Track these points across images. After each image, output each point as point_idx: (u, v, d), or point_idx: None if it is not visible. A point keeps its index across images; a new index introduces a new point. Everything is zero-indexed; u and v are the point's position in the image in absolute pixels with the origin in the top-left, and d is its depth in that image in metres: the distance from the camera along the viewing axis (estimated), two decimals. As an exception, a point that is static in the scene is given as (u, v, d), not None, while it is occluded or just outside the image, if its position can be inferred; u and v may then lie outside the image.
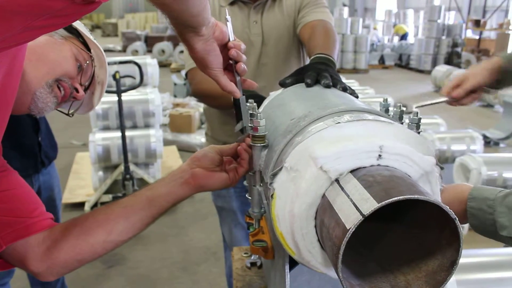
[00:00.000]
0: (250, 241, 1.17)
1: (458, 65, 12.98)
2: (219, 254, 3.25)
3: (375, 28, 18.56)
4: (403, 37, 17.92)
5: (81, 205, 4.17)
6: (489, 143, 6.34)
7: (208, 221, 3.88)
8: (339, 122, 0.82)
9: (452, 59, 13.85)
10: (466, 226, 3.21)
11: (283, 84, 1.29)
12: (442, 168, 0.89)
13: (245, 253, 1.53)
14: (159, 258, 3.43)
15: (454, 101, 1.58)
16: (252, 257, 1.50)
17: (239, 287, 1.37)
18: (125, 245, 3.72)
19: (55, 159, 2.43)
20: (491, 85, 1.53)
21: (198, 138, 5.78)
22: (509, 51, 1.52)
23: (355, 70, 13.64)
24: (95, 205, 4.06)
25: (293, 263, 1.08)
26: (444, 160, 4.44)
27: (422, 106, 1.58)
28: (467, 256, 2.42)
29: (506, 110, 6.71)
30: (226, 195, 2.01)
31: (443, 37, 14.26)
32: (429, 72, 12.08)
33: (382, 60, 15.19)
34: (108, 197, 4.03)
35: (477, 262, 2.41)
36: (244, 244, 1.99)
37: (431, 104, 1.59)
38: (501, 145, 6.38)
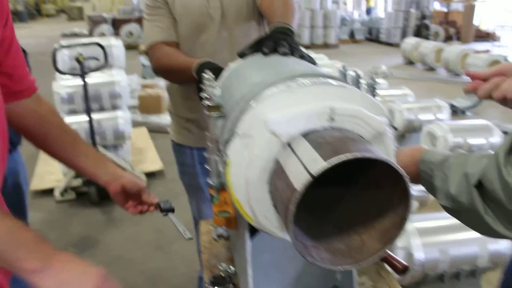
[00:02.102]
0: (214, 212, 1.17)
1: (427, 37, 13.14)
2: (192, 232, 3.25)
3: (345, 3, 18.55)
4: (369, 11, 18.04)
5: (50, 191, 4.11)
6: (456, 112, 6.46)
7: (180, 200, 3.82)
8: (290, 86, 0.82)
9: (421, 31, 13.99)
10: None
11: (242, 55, 1.28)
12: (395, 129, 0.90)
13: (212, 226, 1.54)
14: (132, 239, 3.42)
15: (469, 85, 1.26)
16: (219, 230, 1.51)
17: (206, 259, 1.37)
18: (96, 228, 3.69)
19: (20, 144, 2.38)
20: None
21: (169, 118, 5.69)
22: None
23: (325, 46, 13.64)
24: (65, 190, 4.01)
25: (254, 232, 1.09)
26: (412, 129, 4.51)
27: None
28: (432, 219, 2.49)
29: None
30: (192, 172, 2.01)
31: (412, 10, 14.37)
32: (398, 45, 12.18)
33: (352, 34, 15.22)
34: (78, 181, 3.97)
35: (442, 225, 2.49)
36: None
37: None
38: (468, 113, 6.52)
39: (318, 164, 0.66)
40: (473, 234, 2.41)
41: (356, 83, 1.06)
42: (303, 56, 1.17)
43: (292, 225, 0.69)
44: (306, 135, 0.77)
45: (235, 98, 0.98)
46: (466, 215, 0.90)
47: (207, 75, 1.09)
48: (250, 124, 0.80)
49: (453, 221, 2.58)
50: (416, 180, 1.10)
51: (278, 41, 1.21)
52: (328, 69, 6.21)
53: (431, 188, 1.03)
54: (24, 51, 2.25)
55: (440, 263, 2.38)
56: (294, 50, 1.18)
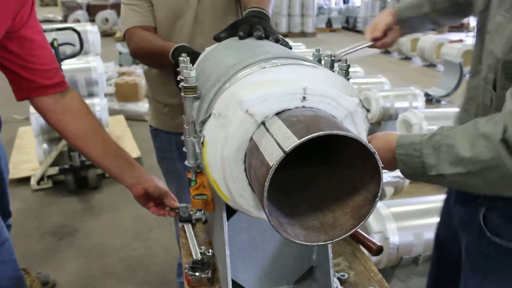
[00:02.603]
0: (191, 195, 1.19)
1: (403, 26, 13.26)
2: (171, 219, 3.24)
3: (322, -8, 18.63)
4: (345, 0, 18.20)
5: (26, 180, 4.05)
6: (432, 101, 6.57)
7: (159, 188, 3.86)
8: (264, 67, 0.84)
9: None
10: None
11: (218, 39, 1.29)
12: (368, 110, 0.93)
13: (190, 210, 1.55)
14: (111, 227, 3.41)
15: (377, 42, 1.63)
16: (197, 214, 1.52)
17: (184, 243, 1.39)
18: (75, 217, 3.63)
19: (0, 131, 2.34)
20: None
21: (146, 106, 5.67)
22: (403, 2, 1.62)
23: (302, 34, 13.67)
24: (41, 178, 3.96)
25: (231, 213, 1.11)
26: (388, 117, 4.58)
27: (349, 52, 1.62)
28: (407, 204, 2.55)
29: (447, 69, 6.96)
30: (171, 157, 2.01)
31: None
32: (375, 34, 12.27)
33: (329, 23, 15.26)
34: (54, 170, 3.92)
35: (416, 210, 2.54)
36: (191, 204, 2.00)
37: (357, 49, 1.62)
38: (442, 102, 6.63)
39: (291, 141, 0.68)
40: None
41: (330, 65, 1.08)
42: (278, 40, 1.19)
43: (266, 200, 0.71)
44: (279, 114, 0.79)
45: (211, 80, 0.99)
46: (486, 174, 0.94)
47: (183, 57, 1.10)
48: (225, 104, 0.82)
49: (427, 205, 2.64)
50: (390, 166, 1.13)
51: (254, 25, 1.23)
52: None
53: (414, 169, 1.06)
54: None
55: (414, 247, 2.45)
56: (269, 33, 1.20)
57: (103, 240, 3.25)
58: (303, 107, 0.80)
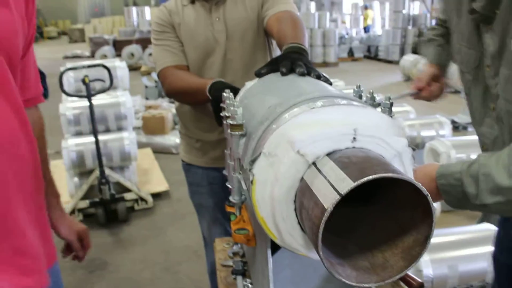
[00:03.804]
0: (232, 230, 1.19)
1: (425, 54, 13.25)
2: (200, 252, 3.25)
3: (343, 22, 18.77)
4: (366, 29, 18.31)
5: (57, 212, 4.11)
6: (458, 128, 6.50)
7: (186, 221, 3.88)
8: (314, 107, 0.85)
9: (419, 48, 14.13)
10: (439, 208, 3.31)
11: (259, 74, 1.31)
12: (414, 149, 0.93)
13: (226, 244, 1.55)
14: (140, 260, 3.42)
15: (422, 92, 1.82)
16: (234, 247, 1.52)
17: (223, 277, 1.39)
18: (105, 250, 3.67)
19: None
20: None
21: (173, 139, 5.76)
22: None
23: (325, 64, 13.76)
24: (72, 211, 4.01)
25: (274, 248, 1.11)
26: (414, 146, 4.54)
27: (395, 99, 1.72)
28: (440, 235, 2.50)
29: (473, 96, 6.88)
30: (203, 191, 2.02)
31: (409, 27, 14.53)
32: (397, 62, 12.28)
33: (351, 52, 15.35)
34: (85, 203, 3.98)
35: (448, 241, 2.49)
36: (224, 240, 2.01)
37: (401, 97, 1.81)
38: (469, 129, 6.55)
39: (346, 183, 0.69)
40: (482, 250, 2.43)
41: (372, 102, 1.09)
42: (319, 76, 1.20)
43: (321, 242, 0.71)
44: (330, 155, 0.80)
45: (257, 117, 1.01)
46: None
47: (228, 94, 1.12)
48: (275, 144, 0.83)
49: (460, 236, 2.59)
50: (433, 197, 1.13)
51: (295, 61, 1.24)
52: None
53: (458, 198, 1.07)
54: (41, 72, 2.27)
55: (449, 279, 2.39)
56: (310, 70, 1.22)
57: (132, 274, 3.26)
58: (353, 147, 0.81)
